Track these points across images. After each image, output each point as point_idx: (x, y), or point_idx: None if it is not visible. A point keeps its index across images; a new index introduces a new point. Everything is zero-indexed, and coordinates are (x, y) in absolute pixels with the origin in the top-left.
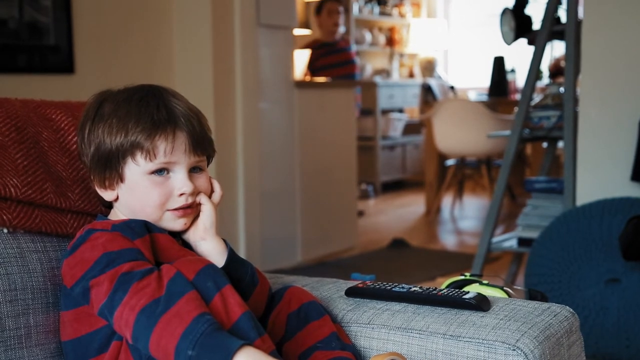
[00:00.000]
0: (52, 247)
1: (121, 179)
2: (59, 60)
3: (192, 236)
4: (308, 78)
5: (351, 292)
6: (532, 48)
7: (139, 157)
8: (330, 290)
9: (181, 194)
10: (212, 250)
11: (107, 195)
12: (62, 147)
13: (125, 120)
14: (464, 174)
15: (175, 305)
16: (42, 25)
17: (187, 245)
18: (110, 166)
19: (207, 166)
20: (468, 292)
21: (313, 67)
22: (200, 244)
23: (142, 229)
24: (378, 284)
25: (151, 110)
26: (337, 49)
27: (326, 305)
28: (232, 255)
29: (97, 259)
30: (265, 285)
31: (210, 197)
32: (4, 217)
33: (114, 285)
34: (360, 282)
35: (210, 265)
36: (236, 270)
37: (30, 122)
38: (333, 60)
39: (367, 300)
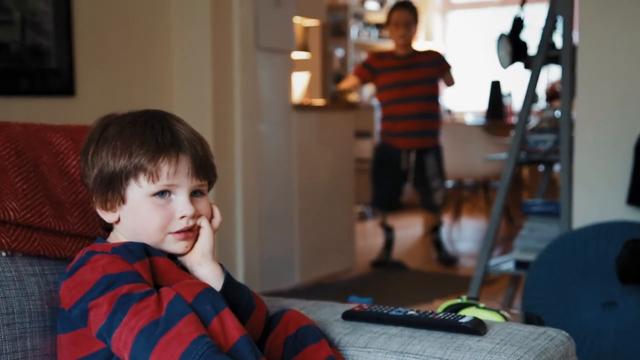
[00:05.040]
0: (50, 271)
1: (123, 200)
2: (60, 83)
3: (189, 260)
4: (308, 101)
5: (348, 316)
6: (528, 71)
7: (142, 178)
8: (327, 314)
9: (182, 217)
10: (209, 275)
11: (108, 217)
12: (62, 171)
13: (130, 143)
14: (462, 196)
15: (174, 326)
16: (44, 48)
17: (186, 269)
18: (112, 188)
19: (208, 191)
20: (464, 316)
21: (377, 87)
22: (197, 269)
23: (142, 252)
24: (375, 308)
25: (156, 134)
26: (409, 64)
27: (323, 329)
28: (229, 280)
29: (96, 281)
30: (262, 309)
31: (210, 222)
32: (3, 240)
33: (113, 306)
34: (357, 305)
35: (209, 289)
36: (233, 294)
37: (30, 146)
38: (400, 77)
39: (364, 323)
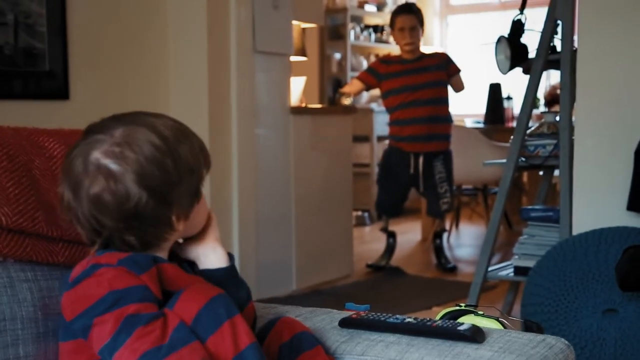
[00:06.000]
0: (43, 276)
1: (198, 202)
2: (54, 86)
3: (201, 246)
4: (304, 104)
5: (345, 323)
6: (527, 76)
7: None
8: (324, 321)
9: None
10: (222, 258)
11: (181, 225)
12: (55, 175)
13: (196, 149)
14: (461, 201)
15: (177, 352)
16: (38, 51)
17: (192, 272)
18: (198, 193)
19: None
20: (463, 324)
21: (383, 92)
22: (211, 253)
23: (148, 262)
24: (372, 315)
25: (196, 138)
26: (416, 68)
27: (320, 336)
28: (233, 265)
29: (102, 297)
30: (251, 307)
31: None
32: None
33: (119, 326)
34: (354, 312)
35: (223, 294)
36: (235, 279)
37: (23, 150)
38: (407, 82)
39: (361, 331)
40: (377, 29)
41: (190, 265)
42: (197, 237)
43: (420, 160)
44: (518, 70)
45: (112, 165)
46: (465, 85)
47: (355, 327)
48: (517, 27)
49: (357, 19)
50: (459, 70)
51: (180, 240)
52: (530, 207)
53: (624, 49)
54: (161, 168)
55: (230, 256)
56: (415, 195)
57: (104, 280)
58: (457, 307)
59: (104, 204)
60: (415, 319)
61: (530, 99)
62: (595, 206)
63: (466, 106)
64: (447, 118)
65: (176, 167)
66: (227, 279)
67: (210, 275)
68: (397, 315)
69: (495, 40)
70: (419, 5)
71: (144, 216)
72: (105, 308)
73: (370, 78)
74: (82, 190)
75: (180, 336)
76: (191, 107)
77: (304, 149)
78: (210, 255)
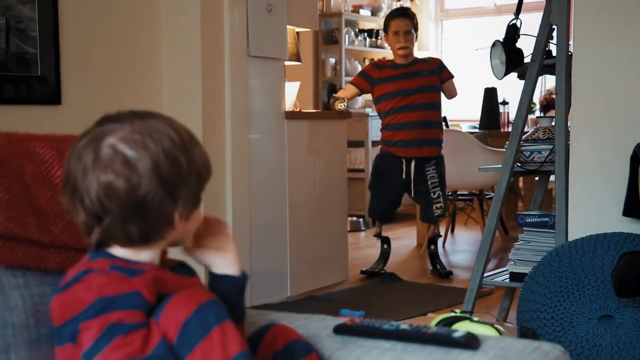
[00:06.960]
0: (35, 282)
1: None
2: (46, 91)
3: (222, 254)
4: (297, 108)
5: (339, 330)
6: (523, 80)
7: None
8: (318, 328)
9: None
10: (235, 270)
11: (181, 225)
12: (46, 181)
13: (204, 156)
14: (456, 207)
15: None
16: (29, 55)
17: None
18: (199, 199)
19: None
20: (457, 331)
21: (376, 97)
22: (234, 266)
23: (142, 267)
24: (367, 322)
25: (203, 148)
26: (409, 72)
27: (314, 343)
28: (244, 281)
29: (91, 303)
30: (242, 329)
31: None
32: None
33: (101, 333)
34: (348, 319)
35: (215, 300)
36: (238, 300)
37: (14, 156)
38: (400, 86)
39: (356, 338)
40: (372, 33)
41: (185, 271)
42: (215, 245)
43: (412, 165)
44: (513, 74)
45: (129, 151)
46: (457, 91)
47: (350, 334)
48: (513, 32)
49: (351, 24)
50: (451, 76)
51: (168, 249)
52: (526, 212)
53: (619, 53)
54: (176, 163)
55: (244, 274)
56: (410, 201)
57: (93, 286)
58: (453, 314)
59: (114, 189)
60: (410, 325)
61: (526, 104)
62: (591, 212)
63: (461, 111)
64: (439, 123)
65: (189, 166)
66: (236, 292)
67: (231, 282)
68: (392, 322)
69: (491, 44)
70: (414, 9)
71: (151, 207)
72: (92, 314)
73: (364, 82)
74: (92, 174)
75: (158, 354)
76: (185, 111)
77: (299, 154)
78: (233, 265)
